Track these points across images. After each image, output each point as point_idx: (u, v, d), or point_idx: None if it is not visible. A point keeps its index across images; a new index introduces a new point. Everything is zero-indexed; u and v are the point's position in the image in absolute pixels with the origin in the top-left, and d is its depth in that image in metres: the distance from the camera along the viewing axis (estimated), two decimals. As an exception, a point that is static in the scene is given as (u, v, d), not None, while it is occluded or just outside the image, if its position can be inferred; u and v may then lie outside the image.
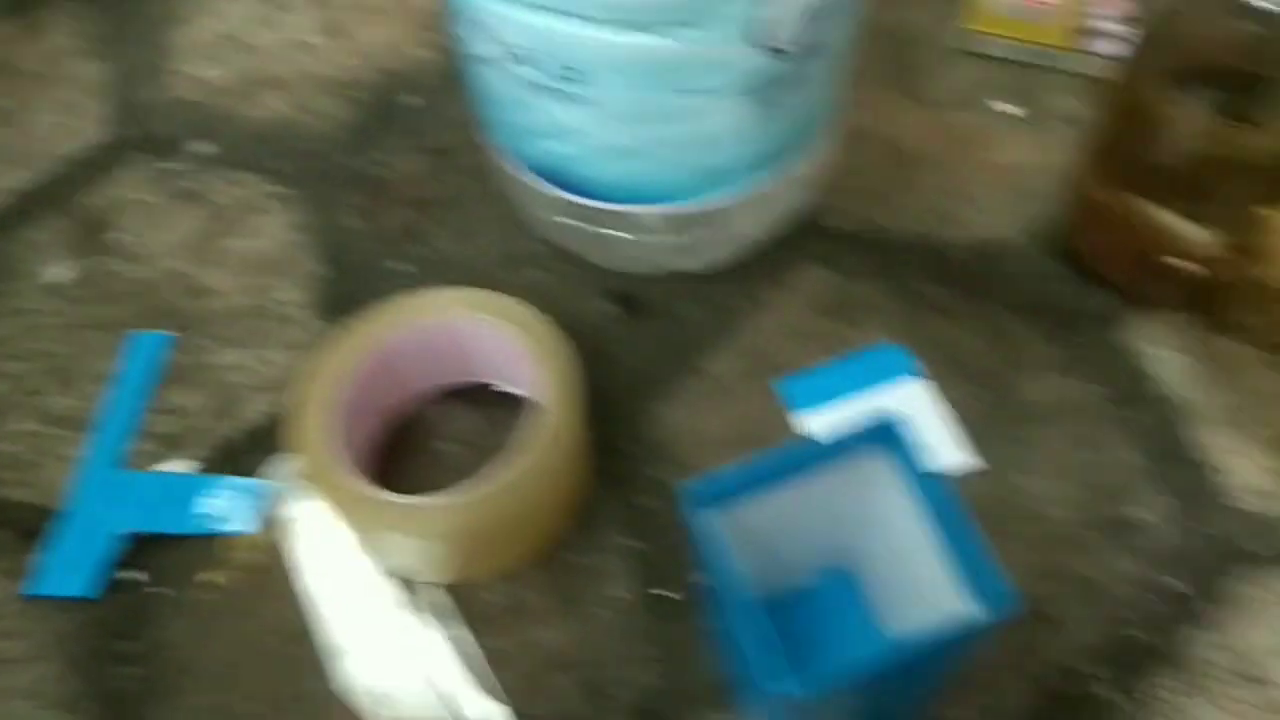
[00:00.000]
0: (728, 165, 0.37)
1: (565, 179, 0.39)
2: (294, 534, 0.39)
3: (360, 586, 0.37)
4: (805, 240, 0.46)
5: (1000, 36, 0.50)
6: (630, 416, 0.41)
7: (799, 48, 0.34)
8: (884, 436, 0.29)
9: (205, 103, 0.52)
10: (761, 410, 0.41)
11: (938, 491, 0.28)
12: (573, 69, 0.33)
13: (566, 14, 0.31)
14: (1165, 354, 0.42)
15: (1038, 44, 0.50)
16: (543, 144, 0.37)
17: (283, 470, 0.39)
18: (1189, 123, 0.36)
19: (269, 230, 0.47)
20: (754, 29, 0.32)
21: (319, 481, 0.34)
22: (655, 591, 0.37)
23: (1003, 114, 0.49)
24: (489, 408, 0.41)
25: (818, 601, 0.36)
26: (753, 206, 0.41)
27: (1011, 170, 0.47)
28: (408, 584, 0.37)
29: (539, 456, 0.34)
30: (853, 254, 0.45)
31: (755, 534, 0.30)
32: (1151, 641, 0.36)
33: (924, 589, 0.29)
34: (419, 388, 0.40)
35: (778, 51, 0.33)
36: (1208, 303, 0.42)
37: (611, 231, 0.41)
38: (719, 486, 0.28)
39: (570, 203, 0.40)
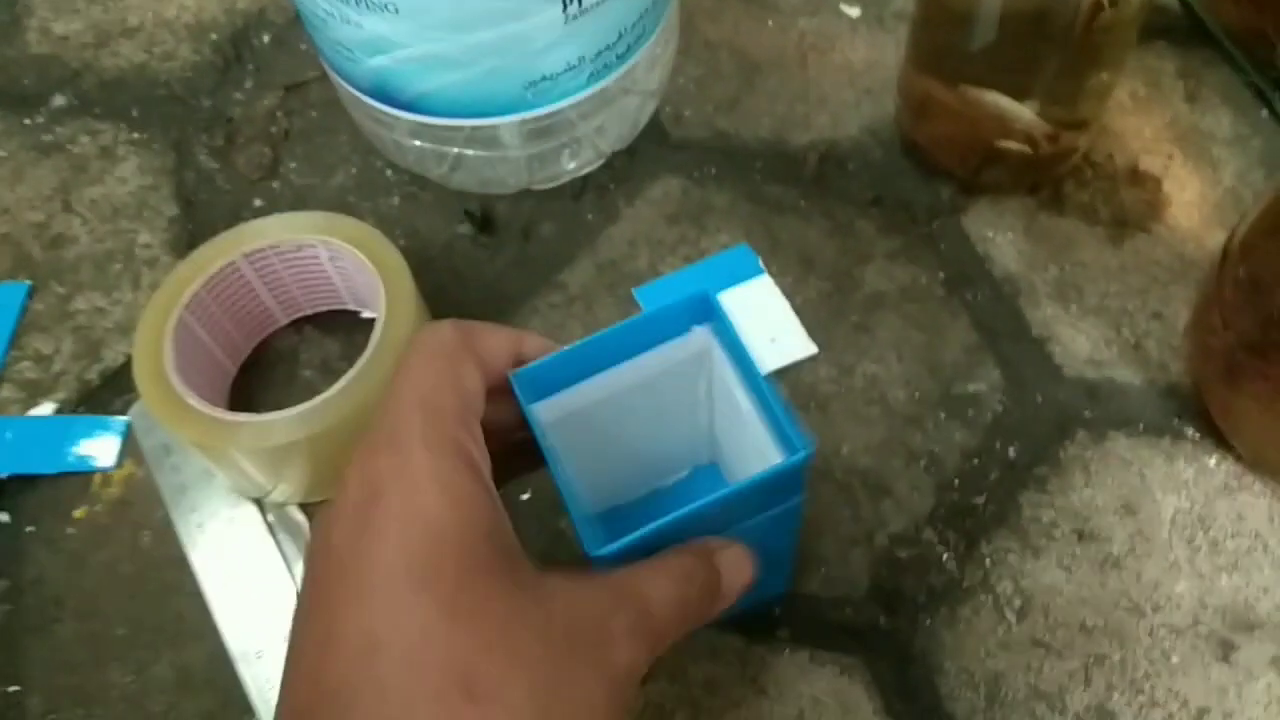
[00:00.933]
0: (552, 70, 0.38)
1: (398, 97, 0.39)
2: (154, 465, 0.39)
3: (215, 511, 0.38)
4: (656, 151, 0.46)
5: (846, -59, 0.51)
6: (490, 333, 0.42)
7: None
8: (702, 310, 0.30)
9: (62, 56, 0.52)
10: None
11: (746, 357, 0.29)
12: (374, -23, 0.33)
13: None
14: (1001, 236, 0.43)
15: (882, -54, 0.51)
16: (369, 62, 0.38)
17: (140, 405, 0.40)
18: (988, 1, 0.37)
19: (127, 176, 0.47)
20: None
21: (161, 409, 0.34)
22: (523, 498, 0.38)
23: (849, 17, 0.50)
24: (350, 333, 0.42)
25: (684, 493, 0.36)
26: (595, 115, 0.42)
27: (857, 71, 0.48)
28: (261, 505, 0.38)
29: (375, 367, 0.35)
30: (703, 162, 0.46)
31: (600, 422, 0.30)
32: (992, 508, 0.38)
33: (757, 462, 0.30)
34: (270, 314, 0.41)
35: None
36: (1040, 182, 0.44)
37: (459, 150, 0.42)
38: (546, 373, 0.29)
39: (414, 123, 0.41)
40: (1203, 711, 0.33)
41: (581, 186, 0.46)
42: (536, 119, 0.40)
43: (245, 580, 0.37)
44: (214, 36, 0.51)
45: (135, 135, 0.48)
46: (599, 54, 0.38)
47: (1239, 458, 0.38)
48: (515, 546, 0.23)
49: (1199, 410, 0.39)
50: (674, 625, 0.25)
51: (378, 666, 0.19)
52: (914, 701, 0.34)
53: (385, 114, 0.40)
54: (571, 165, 0.44)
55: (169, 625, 0.36)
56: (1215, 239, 0.42)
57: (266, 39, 0.51)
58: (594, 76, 0.39)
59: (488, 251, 0.44)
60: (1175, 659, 0.34)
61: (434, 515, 0.21)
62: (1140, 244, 0.43)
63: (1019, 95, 0.40)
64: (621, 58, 0.40)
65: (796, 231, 0.44)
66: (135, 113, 0.49)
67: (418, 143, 0.42)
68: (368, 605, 0.20)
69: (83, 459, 0.40)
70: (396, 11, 0.34)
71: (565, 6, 0.35)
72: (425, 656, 0.20)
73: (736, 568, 0.27)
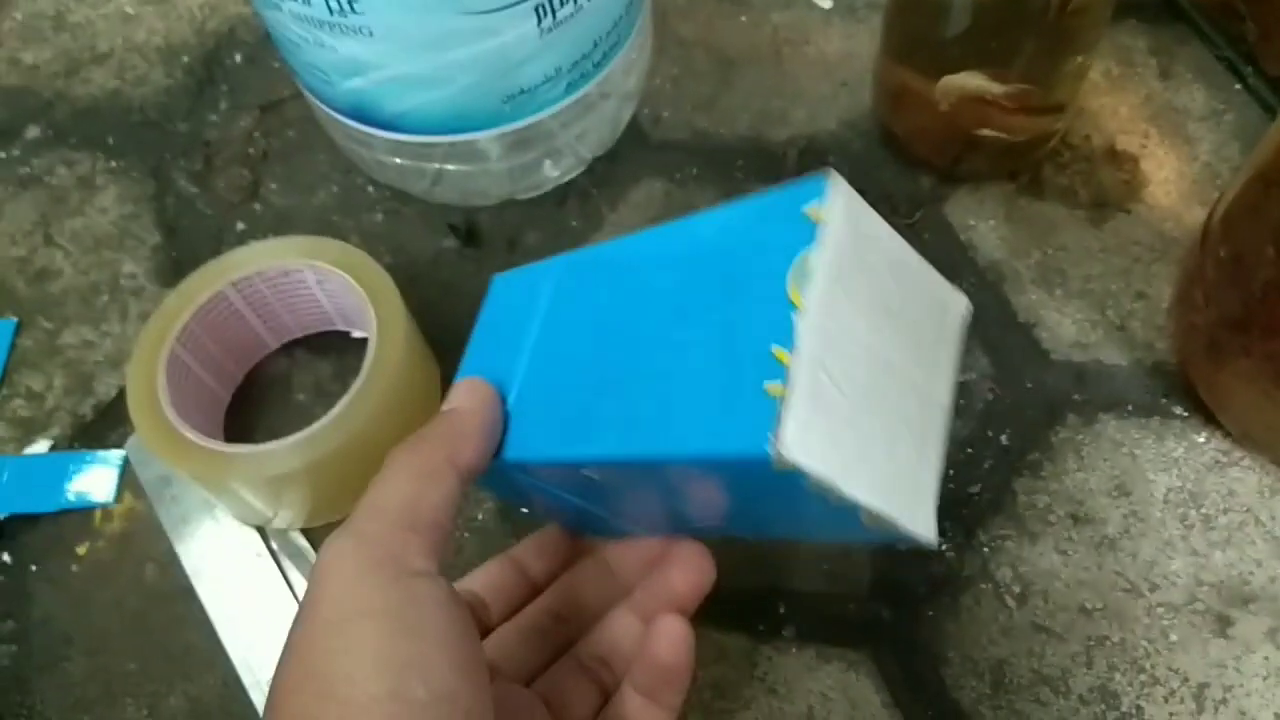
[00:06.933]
0: (530, 83, 0.38)
1: (375, 117, 0.39)
2: (154, 498, 0.39)
3: (218, 540, 0.38)
4: (637, 154, 0.46)
5: (815, -68, 0.51)
6: (481, 346, 0.42)
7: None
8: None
9: (34, 86, 0.51)
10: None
11: None
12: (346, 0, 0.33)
13: (331, -52, 0.31)
14: (983, 224, 0.44)
15: (851, -64, 0.51)
16: (344, 84, 0.38)
17: (136, 439, 0.40)
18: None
19: (107, 206, 0.47)
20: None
21: (158, 444, 0.34)
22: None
23: (822, 9, 0.50)
24: (341, 353, 0.42)
25: None
26: (575, 123, 0.42)
27: (832, 64, 0.48)
28: (264, 532, 0.38)
29: (369, 390, 0.35)
30: (684, 163, 0.46)
31: None
32: (988, 496, 0.38)
33: None
34: (261, 340, 0.41)
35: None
36: (1019, 167, 0.44)
37: (440, 165, 0.42)
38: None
39: (392, 141, 0.41)
40: (1203, 687, 0.34)
41: (564, 194, 0.46)
42: (516, 131, 0.40)
43: (252, 607, 0.37)
44: (185, 59, 0.51)
45: (113, 164, 0.48)
46: (575, 64, 0.38)
47: (1227, 434, 0.38)
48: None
49: (1186, 388, 0.39)
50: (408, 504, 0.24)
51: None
52: (921, 692, 0.35)
53: (363, 133, 0.40)
54: (554, 173, 0.44)
55: (179, 657, 0.37)
56: (1195, 216, 0.43)
57: (239, 58, 0.51)
58: (571, 86, 0.39)
59: (474, 264, 0.44)
60: (1174, 637, 0.35)
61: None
62: (1121, 224, 0.43)
63: (995, 80, 0.40)
64: (598, 65, 0.40)
65: (781, 228, 0.44)
66: (111, 141, 0.49)
67: (398, 160, 0.42)
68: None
69: (81, 495, 0.40)
70: (371, 34, 0.34)
71: (540, 20, 0.35)
72: None
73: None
